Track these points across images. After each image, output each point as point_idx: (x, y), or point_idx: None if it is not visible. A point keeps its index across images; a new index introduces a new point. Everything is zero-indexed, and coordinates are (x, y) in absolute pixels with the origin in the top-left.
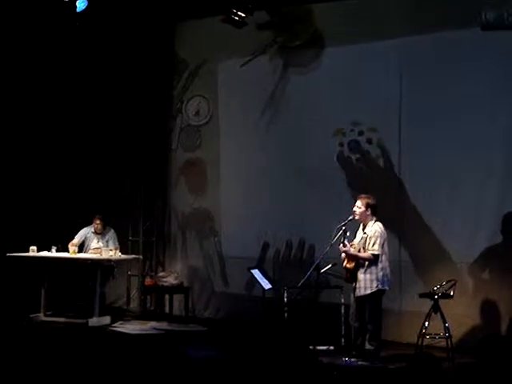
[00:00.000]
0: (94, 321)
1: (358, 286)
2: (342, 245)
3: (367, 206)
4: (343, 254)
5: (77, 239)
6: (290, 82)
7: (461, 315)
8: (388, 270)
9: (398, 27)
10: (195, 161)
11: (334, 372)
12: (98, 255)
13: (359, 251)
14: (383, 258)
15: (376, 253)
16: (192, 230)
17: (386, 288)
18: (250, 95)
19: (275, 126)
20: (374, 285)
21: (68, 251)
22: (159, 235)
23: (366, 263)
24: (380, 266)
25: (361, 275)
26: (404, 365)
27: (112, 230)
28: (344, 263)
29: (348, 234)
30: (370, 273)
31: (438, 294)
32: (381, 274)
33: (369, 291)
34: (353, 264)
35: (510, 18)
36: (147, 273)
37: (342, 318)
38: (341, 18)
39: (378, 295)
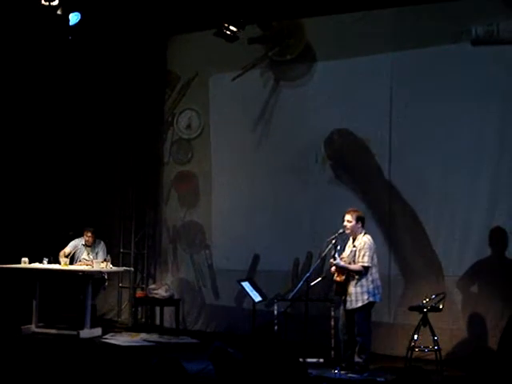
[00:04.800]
0: (85, 332)
1: (348, 299)
2: (332, 258)
3: (357, 218)
4: (333, 268)
5: (68, 249)
6: (282, 95)
7: (450, 328)
8: (379, 282)
9: (389, 41)
10: (187, 174)
11: None
12: (90, 267)
13: (349, 264)
14: (373, 270)
15: (366, 264)
16: (183, 243)
17: (377, 300)
18: (242, 109)
19: (266, 140)
20: (365, 297)
21: (59, 263)
22: (150, 248)
23: (357, 276)
24: (370, 278)
25: (352, 288)
26: (393, 378)
27: (102, 243)
28: (334, 276)
29: (338, 247)
30: (361, 286)
31: (427, 308)
32: (371, 286)
33: (360, 304)
34: (343, 277)
35: (500, 33)
36: (138, 285)
37: (332, 331)
38: (332, 32)
39: (367, 308)
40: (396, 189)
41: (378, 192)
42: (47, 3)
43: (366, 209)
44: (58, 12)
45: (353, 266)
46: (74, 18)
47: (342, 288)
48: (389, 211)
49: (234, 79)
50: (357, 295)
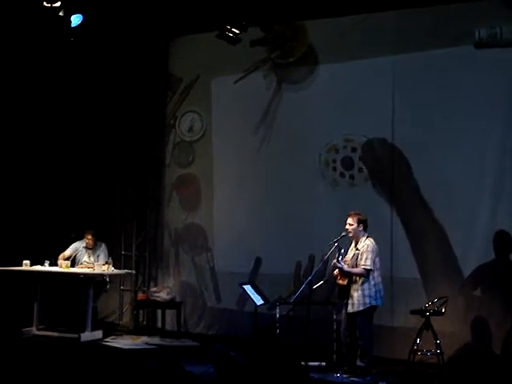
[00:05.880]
0: (86, 335)
1: (350, 302)
2: (336, 261)
3: (359, 221)
4: (336, 271)
5: (69, 252)
6: (284, 98)
7: (452, 332)
8: (381, 286)
9: (392, 44)
10: (188, 176)
11: None
12: (91, 270)
13: (352, 268)
14: (375, 273)
15: (368, 267)
16: (185, 246)
17: (379, 304)
18: (244, 111)
19: (269, 142)
20: (367, 301)
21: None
22: (152, 250)
23: (359, 280)
24: (372, 282)
25: (354, 292)
26: (396, 381)
27: (103, 245)
28: (337, 280)
29: (343, 250)
30: (363, 289)
31: (429, 311)
32: (373, 290)
33: (362, 307)
34: (346, 280)
35: (503, 36)
36: (140, 288)
37: (334, 334)
38: (334, 34)
39: (369, 311)
40: (398, 194)
41: (380, 197)
42: (49, 5)
43: (369, 213)
44: (60, 14)
45: (355, 270)
46: (75, 19)
47: (345, 291)
48: (391, 215)
49: (236, 82)
50: (359, 299)
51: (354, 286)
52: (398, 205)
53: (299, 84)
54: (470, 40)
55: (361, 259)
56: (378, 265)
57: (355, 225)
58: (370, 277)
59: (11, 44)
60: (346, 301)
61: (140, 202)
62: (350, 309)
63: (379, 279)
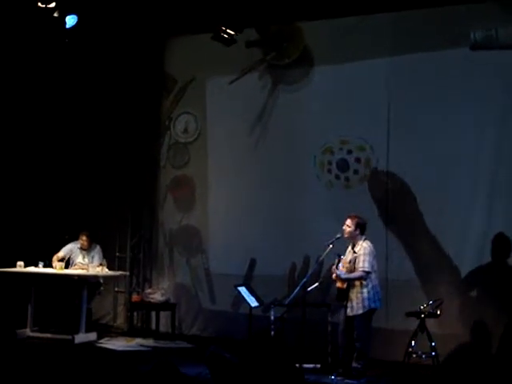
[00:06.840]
0: (80, 337)
1: (350, 305)
2: (335, 267)
3: (357, 225)
4: (334, 276)
5: (62, 253)
6: (279, 99)
7: (448, 334)
8: (378, 288)
9: (387, 46)
10: (183, 178)
11: None
12: (85, 271)
13: (351, 271)
14: (373, 276)
15: (367, 270)
16: (179, 247)
17: (378, 306)
18: (239, 112)
19: (264, 144)
20: (367, 304)
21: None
22: (146, 252)
23: (358, 283)
24: (371, 285)
25: (353, 295)
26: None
27: (98, 247)
28: (336, 283)
29: (342, 257)
30: (362, 292)
31: (424, 313)
32: (372, 292)
33: (361, 311)
34: (345, 284)
35: (499, 38)
36: (134, 289)
37: (329, 336)
38: (330, 36)
39: (368, 314)
40: (394, 197)
41: (375, 199)
42: (44, 6)
43: (364, 214)
44: (55, 14)
45: (354, 275)
46: (70, 20)
47: (344, 294)
48: (386, 216)
49: (231, 83)
50: (358, 302)
51: (353, 290)
52: (393, 207)
53: (294, 85)
54: (465, 42)
55: (358, 262)
56: (375, 267)
57: (352, 227)
58: (368, 279)
59: (6, 45)
60: (345, 303)
61: (135, 203)
62: (349, 312)
63: (376, 281)
